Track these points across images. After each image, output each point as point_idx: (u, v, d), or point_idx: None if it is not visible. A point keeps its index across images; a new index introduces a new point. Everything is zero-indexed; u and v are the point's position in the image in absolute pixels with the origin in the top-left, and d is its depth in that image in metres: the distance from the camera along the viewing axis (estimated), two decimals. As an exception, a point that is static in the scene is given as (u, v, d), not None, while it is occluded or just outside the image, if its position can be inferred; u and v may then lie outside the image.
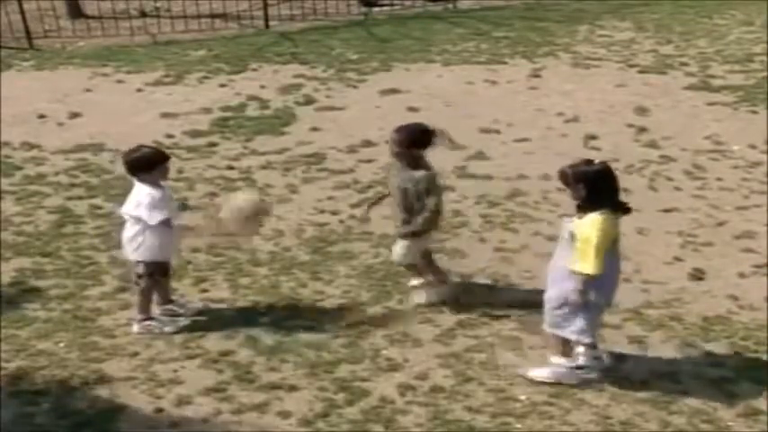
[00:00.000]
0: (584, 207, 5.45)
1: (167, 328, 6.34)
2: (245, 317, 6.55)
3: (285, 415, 5.55)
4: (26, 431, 5.49)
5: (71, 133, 9.98)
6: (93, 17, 14.85)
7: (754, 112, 10.38)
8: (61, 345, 6.22)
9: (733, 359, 6.06)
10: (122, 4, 15.15)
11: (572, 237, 5.46)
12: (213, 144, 9.67)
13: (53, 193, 8.54)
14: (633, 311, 6.51)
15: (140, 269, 6.26)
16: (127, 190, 6.34)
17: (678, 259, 7.32)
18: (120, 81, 11.80)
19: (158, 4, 15.19)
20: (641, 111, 10.43)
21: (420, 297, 6.64)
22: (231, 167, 9.07)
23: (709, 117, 10.31)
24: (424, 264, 6.64)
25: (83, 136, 9.85)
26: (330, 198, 8.38)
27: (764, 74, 11.60)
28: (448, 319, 6.49)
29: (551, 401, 5.65)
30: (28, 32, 13.43)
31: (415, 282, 6.70)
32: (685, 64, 12.09)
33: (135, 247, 6.21)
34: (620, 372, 5.88)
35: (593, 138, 9.68)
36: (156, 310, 6.47)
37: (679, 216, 8.02)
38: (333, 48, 13.07)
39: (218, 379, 5.87)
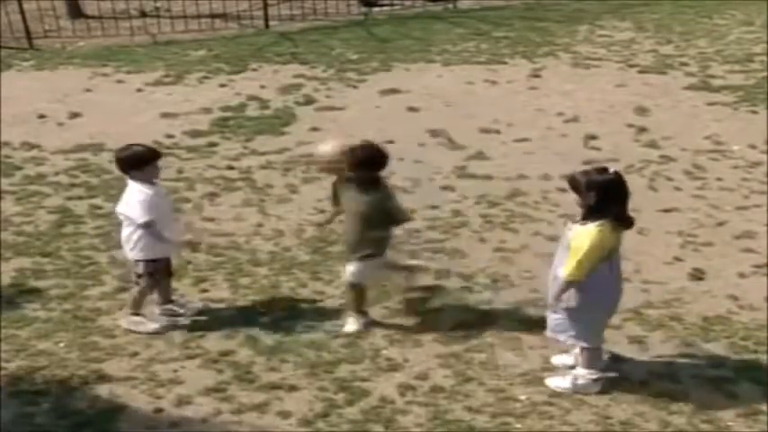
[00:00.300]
0: (589, 215, 5.35)
1: (152, 326, 6.32)
2: (245, 317, 6.54)
3: (285, 415, 5.55)
4: (26, 431, 5.49)
5: (71, 133, 9.97)
6: (93, 17, 14.83)
7: (754, 112, 10.37)
8: (61, 345, 6.23)
9: (733, 359, 6.06)
10: (122, 4, 15.14)
11: (569, 244, 5.40)
12: (213, 144, 9.67)
13: (53, 193, 8.54)
14: (633, 311, 6.50)
15: (140, 268, 6.26)
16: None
17: (678, 259, 7.32)
18: (120, 81, 11.79)
19: (158, 4, 15.18)
20: (641, 111, 10.42)
21: (350, 326, 6.37)
22: (231, 167, 9.07)
23: (709, 117, 10.30)
24: (357, 295, 6.38)
25: (83, 136, 9.85)
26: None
27: (764, 74, 11.60)
28: (448, 319, 6.49)
29: (551, 401, 5.65)
30: (28, 32, 13.41)
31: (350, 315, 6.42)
32: (685, 64, 12.08)
33: (131, 246, 6.21)
34: (621, 372, 5.87)
35: (593, 138, 9.68)
36: (156, 309, 6.47)
37: (679, 216, 8.02)
38: (333, 48, 13.06)
39: (218, 379, 5.87)
